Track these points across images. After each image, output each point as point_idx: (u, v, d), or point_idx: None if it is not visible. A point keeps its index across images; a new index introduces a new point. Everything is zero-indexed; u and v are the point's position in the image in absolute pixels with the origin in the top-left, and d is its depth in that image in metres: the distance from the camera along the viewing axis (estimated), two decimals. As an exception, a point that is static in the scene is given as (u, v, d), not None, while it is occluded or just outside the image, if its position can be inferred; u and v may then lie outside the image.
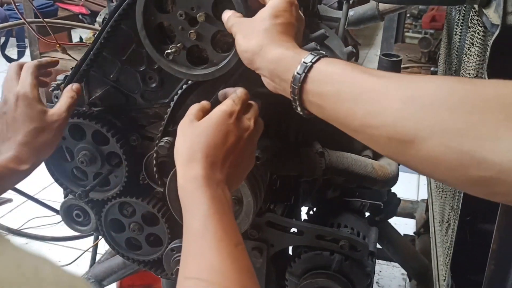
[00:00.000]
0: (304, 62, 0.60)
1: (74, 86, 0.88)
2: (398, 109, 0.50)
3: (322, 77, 0.59)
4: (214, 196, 0.63)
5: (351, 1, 1.30)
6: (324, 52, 0.62)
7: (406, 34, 4.02)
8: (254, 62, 0.68)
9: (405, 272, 1.70)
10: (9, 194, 1.43)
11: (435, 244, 1.06)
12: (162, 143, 0.86)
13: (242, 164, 0.71)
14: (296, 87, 0.60)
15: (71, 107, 0.86)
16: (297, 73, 0.60)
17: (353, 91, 0.55)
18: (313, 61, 0.60)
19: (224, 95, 0.77)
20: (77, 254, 1.91)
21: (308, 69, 0.59)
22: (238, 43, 0.70)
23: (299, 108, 0.63)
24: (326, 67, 0.59)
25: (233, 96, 0.73)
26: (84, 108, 0.95)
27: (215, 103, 0.73)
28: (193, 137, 0.67)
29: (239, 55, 0.71)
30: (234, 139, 0.68)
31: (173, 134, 0.90)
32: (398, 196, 1.30)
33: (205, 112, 0.72)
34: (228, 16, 0.75)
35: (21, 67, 0.86)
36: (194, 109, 0.72)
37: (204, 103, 0.74)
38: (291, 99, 0.63)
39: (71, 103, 0.86)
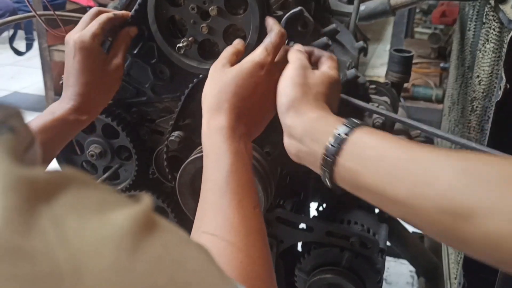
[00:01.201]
0: (345, 125, 0.56)
1: (132, 30, 0.84)
2: (453, 179, 0.44)
3: (362, 143, 0.54)
4: (237, 151, 0.62)
5: (361, -5, 1.29)
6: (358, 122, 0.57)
7: (416, 29, 4.00)
8: (288, 111, 0.63)
9: (413, 269, 1.69)
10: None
11: (446, 242, 1.05)
12: (172, 138, 0.86)
13: (266, 115, 0.71)
14: (331, 159, 0.55)
15: (126, 52, 0.85)
16: (338, 134, 0.55)
17: (400, 156, 0.50)
18: (352, 127, 0.55)
19: (269, 25, 0.75)
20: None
21: (349, 132, 0.54)
22: (282, 85, 0.66)
23: (327, 177, 0.57)
24: (367, 135, 0.54)
25: (267, 42, 0.70)
26: (94, 102, 0.95)
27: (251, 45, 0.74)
28: (222, 85, 0.66)
29: (278, 100, 0.66)
30: (263, 92, 0.67)
31: (184, 129, 0.89)
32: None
33: (238, 56, 0.71)
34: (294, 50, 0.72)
35: (98, 14, 0.83)
36: (228, 52, 0.71)
37: (239, 45, 0.73)
38: (320, 167, 0.57)
39: (126, 48, 0.84)
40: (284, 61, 0.71)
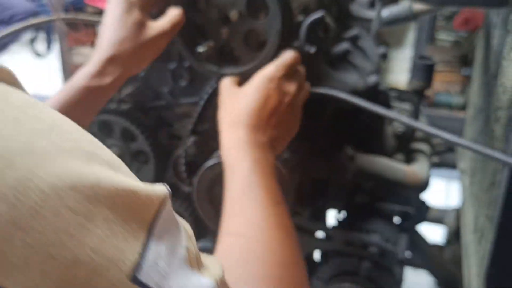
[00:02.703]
0: None
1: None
2: None
3: None
4: (256, 158, 0.63)
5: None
6: None
7: (437, 36, 3.95)
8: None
9: (431, 280, 1.66)
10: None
11: (467, 254, 1.03)
12: (190, 142, 0.85)
13: (286, 127, 0.72)
14: None
15: (177, 27, 0.77)
16: None
17: None
18: None
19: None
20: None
21: None
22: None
23: None
24: None
25: (277, 61, 0.73)
26: (114, 105, 0.95)
27: None
28: (234, 103, 0.70)
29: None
30: (275, 103, 0.70)
31: (202, 133, 0.89)
32: (427, 202, 1.27)
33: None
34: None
35: None
36: (228, 79, 0.76)
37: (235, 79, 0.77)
38: None
39: (178, 22, 0.77)
40: (294, 79, 0.74)
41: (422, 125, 0.83)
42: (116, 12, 0.73)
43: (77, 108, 0.70)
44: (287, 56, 0.74)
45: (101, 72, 0.72)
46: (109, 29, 0.73)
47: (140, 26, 0.74)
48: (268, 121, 0.69)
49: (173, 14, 0.77)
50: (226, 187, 0.63)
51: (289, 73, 0.73)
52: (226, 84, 0.74)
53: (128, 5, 0.74)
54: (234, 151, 0.65)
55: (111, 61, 0.72)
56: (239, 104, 0.69)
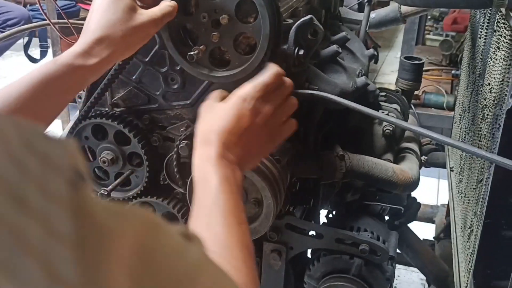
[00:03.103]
0: None
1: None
2: None
3: None
4: (224, 175, 0.66)
5: (372, 3, 1.29)
6: None
7: (427, 36, 3.98)
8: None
9: (423, 277, 1.68)
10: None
11: (457, 250, 1.05)
12: (183, 144, 0.86)
13: (257, 147, 0.75)
14: None
15: (167, 17, 0.77)
16: None
17: None
18: None
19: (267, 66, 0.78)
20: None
21: None
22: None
23: None
24: None
25: (257, 80, 0.74)
26: (107, 109, 0.96)
27: None
28: (209, 120, 0.72)
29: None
30: (247, 123, 0.71)
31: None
32: (418, 200, 1.29)
33: (225, 95, 0.75)
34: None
35: None
36: (216, 92, 0.77)
37: (224, 93, 0.77)
38: None
39: (169, 12, 0.77)
40: (278, 99, 0.76)
41: (409, 124, 0.85)
42: None
43: (57, 83, 0.70)
44: (268, 74, 0.74)
45: (87, 52, 0.71)
46: (99, 12, 0.73)
47: (131, 11, 0.74)
48: (238, 141, 0.70)
49: (165, 4, 0.78)
50: (196, 199, 0.66)
51: (267, 92, 0.74)
52: (208, 100, 0.76)
53: None
54: (204, 168, 0.67)
55: (98, 42, 0.72)
56: (214, 120, 0.71)
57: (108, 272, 0.25)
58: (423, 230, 2.01)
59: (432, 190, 2.70)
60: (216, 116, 0.72)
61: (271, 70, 0.75)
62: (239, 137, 0.70)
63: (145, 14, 0.75)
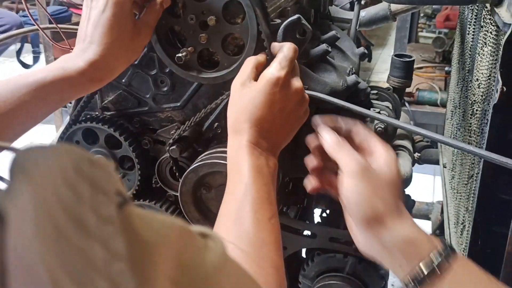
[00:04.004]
0: (436, 260, 0.55)
1: (166, 1, 0.78)
2: None
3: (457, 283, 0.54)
4: (256, 165, 0.65)
5: (362, 2, 1.29)
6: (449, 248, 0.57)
7: (420, 33, 3.99)
8: (376, 230, 0.59)
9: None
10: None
11: (450, 246, 1.05)
12: (174, 147, 0.86)
13: (287, 130, 0.73)
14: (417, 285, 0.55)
15: (156, 22, 0.78)
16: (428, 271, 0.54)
17: None
18: (446, 258, 0.55)
19: (276, 46, 0.75)
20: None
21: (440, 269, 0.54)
22: (358, 192, 0.60)
23: None
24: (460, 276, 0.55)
25: (280, 57, 0.71)
26: (97, 113, 0.96)
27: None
28: (241, 105, 0.69)
29: (354, 207, 0.60)
30: (280, 108, 0.69)
31: (186, 138, 0.90)
32: (413, 197, 1.29)
33: (259, 68, 0.72)
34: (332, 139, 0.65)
35: None
36: (248, 67, 0.72)
37: (259, 58, 0.74)
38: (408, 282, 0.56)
39: (157, 18, 0.78)
40: (296, 74, 0.73)
41: (400, 122, 0.85)
42: (109, 12, 0.71)
43: (57, 95, 0.70)
44: (287, 49, 0.72)
45: (93, 71, 0.71)
46: (104, 28, 0.71)
47: (130, 27, 0.74)
48: (271, 127, 0.69)
49: (154, 10, 0.77)
50: (227, 188, 0.66)
51: (292, 67, 0.72)
52: (239, 77, 0.71)
53: (121, 7, 0.72)
54: (236, 156, 0.67)
55: (104, 60, 0.72)
56: (245, 106, 0.68)
57: (157, 286, 0.27)
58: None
59: (427, 187, 2.70)
60: (247, 101, 0.68)
61: (288, 44, 0.73)
62: (272, 123, 0.69)
63: (141, 30, 0.76)
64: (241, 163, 0.65)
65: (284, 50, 0.72)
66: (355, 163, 0.60)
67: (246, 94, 0.69)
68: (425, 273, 0.54)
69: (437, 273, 0.54)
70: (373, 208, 0.58)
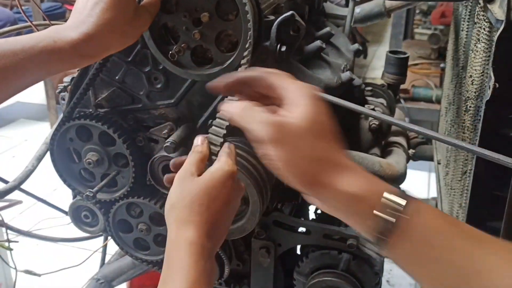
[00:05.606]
0: (393, 208, 0.51)
1: None
2: None
3: (416, 234, 0.51)
4: (202, 269, 0.60)
5: (357, -2, 1.29)
6: (408, 195, 0.52)
7: (415, 30, 4.00)
8: (317, 193, 0.54)
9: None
10: (18, 196, 1.45)
11: (444, 242, 1.05)
12: (167, 144, 0.86)
13: (228, 224, 0.67)
14: (384, 238, 0.51)
15: (157, 9, 0.76)
16: (385, 221, 0.51)
17: (458, 263, 0.49)
18: (404, 208, 0.51)
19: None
20: (87, 255, 1.93)
21: (398, 219, 0.50)
22: (281, 159, 0.54)
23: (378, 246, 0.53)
24: (421, 220, 0.51)
25: (227, 151, 0.66)
26: (91, 110, 0.96)
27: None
28: (193, 196, 0.62)
29: (285, 176, 0.55)
30: (233, 203, 0.65)
31: (179, 135, 0.90)
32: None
33: (204, 161, 0.66)
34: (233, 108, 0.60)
35: None
36: (194, 158, 0.65)
37: (204, 148, 0.67)
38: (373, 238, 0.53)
39: (158, 6, 0.76)
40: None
41: (394, 119, 0.85)
42: None
43: (44, 65, 0.66)
44: (229, 144, 0.67)
45: (84, 47, 0.67)
46: (102, 4, 0.68)
47: (129, 9, 0.71)
48: (220, 223, 0.64)
49: None
50: (164, 280, 0.60)
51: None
52: (186, 169, 0.65)
53: None
54: (182, 252, 0.60)
55: (97, 39, 0.68)
56: (199, 199, 0.62)
57: None
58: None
59: (422, 183, 2.71)
60: (203, 193, 0.62)
61: (229, 144, 0.68)
62: (220, 220, 0.63)
63: (140, 14, 0.73)
64: (185, 261, 0.59)
65: (227, 145, 0.67)
66: (265, 129, 0.54)
67: (200, 183, 0.62)
68: (385, 221, 0.50)
69: (399, 219, 0.50)
70: (303, 173, 0.53)
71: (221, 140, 0.67)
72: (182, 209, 0.62)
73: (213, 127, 0.67)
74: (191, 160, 0.65)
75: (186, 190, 0.62)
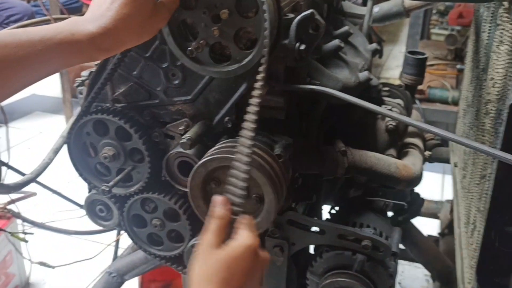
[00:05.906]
0: None
1: None
2: None
3: None
4: None
5: (375, -3, 1.28)
6: None
7: (432, 30, 3.96)
8: None
9: (428, 273, 1.67)
10: (33, 188, 1.46)
11: (460, 246, 1.04)
12: (184, 140, 0.86)
13: None
14: None
15: (175, 6, 0.77)
16: None
17: None
18: None
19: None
20: (100, 248, 1.94)
21: None
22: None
23: None
24: None
25: (247, 224, 0.67)
26: (108, 104, 0.96)
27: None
28: (214, 270, 0.63)
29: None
30: (256, 276, 0.65)
31: (195, 132, 0.90)
32: (422, 196, 1.28)
33: (226, 228, 0.67)
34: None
35: None
36: (215, 227, 0.67)
37: (225, 216, 0.68)
38: None
39: (176, 3, 0.77)
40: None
41: (410, 119, 0.84)
42: None
43: (60, 58, 0.67)
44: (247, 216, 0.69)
45: (100, 42, 0.68)
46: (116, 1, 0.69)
47: (148, 4, 0.72)
48: None
49: None
50: None
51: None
52: (207, 241, 0.66)
53: None
54: None
55: (115, 34, 0.69)
56: (219, 273, 0.62)
57: None
58: (428, 226, 2.00)
59: (436, 185, 2.69)
60: (223, 268, 0.63)
61: (247, 217, 0.69)
62: None
63: (159, 10, 0.74)
64: None
65: (248, 218, 0.68)
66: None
67: (220, 256, 0.64)
68: None
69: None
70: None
71: (241, 200, 0.68)
72: (201, 283, 0.63)
73: (230, 186, 0.69)
74: (212, 228, 0.67)
75: (206, 262, 0.64)
